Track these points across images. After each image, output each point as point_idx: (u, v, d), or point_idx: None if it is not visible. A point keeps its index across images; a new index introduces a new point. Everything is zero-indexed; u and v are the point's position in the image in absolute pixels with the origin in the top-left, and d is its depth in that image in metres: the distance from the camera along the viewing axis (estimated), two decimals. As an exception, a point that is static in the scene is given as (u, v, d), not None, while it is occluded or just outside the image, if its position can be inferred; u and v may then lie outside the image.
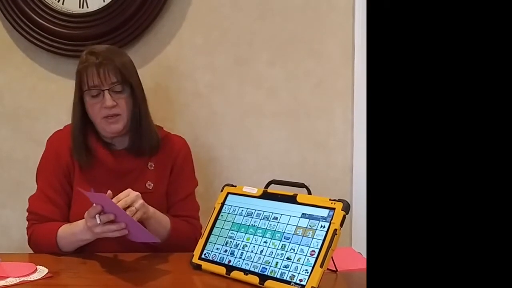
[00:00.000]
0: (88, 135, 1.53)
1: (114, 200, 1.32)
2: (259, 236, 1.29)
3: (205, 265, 1.33)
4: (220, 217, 1.39)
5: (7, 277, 1.23)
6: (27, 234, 1.52)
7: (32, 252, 1.51)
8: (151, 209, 1.42)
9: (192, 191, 1.63)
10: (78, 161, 1.52)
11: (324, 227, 1.20)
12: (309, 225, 1.23)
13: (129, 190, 1.37)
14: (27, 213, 1.54)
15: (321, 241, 1.19)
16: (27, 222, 1.53)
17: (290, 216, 1.27)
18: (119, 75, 1.46)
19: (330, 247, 1.17)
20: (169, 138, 1.62)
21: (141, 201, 1.36)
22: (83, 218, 1.36)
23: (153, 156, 1.56)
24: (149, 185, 1.54)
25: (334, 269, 1.32)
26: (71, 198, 1.53)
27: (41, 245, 1.47)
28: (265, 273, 1.22)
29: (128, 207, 1.33)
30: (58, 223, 1.47)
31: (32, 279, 1.24)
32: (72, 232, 1.42)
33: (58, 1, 1.87)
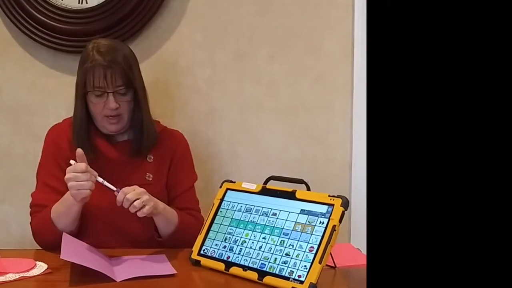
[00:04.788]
0: (90, 129, 1.52)
1: (120, 194, 1.33)
2: (258, 232, 1.29)
3: (204, 261, 1.33)
4: (219, 213, 1.39)
5: (7, 273, 1.23)
6: (31, 228, 1.51)
7: (32, 248, 1.49)
8: (161, 205, 1.43)
9: (192, 185, 1.63)
10: None
11: (323, 223, 1.20)
12: (308, 221, 1.23)
13: (135, 186, 1.37)
14: (30, 209, 1.53)
15: (320, 237, 1.19)
16: (30, 217, 1.52)
17: (289, 212, 1.27)
18: (125, 78, 1.46)
19: (329, 243, 1.17)
20: (167, 132, 1.62)
21: (147, 196, 1.36)
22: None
23: (152, 149, 1.56)
24: (149, 176, 1.54)
25: (333, 265, 1.32)
26: None
27: (42, 231, 1.46)
28: (264, 269, 1.22)
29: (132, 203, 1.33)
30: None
31: (32, 274, 1.24)
32: (61, 201, 1.42)
33: (57, -3, 1.86)
